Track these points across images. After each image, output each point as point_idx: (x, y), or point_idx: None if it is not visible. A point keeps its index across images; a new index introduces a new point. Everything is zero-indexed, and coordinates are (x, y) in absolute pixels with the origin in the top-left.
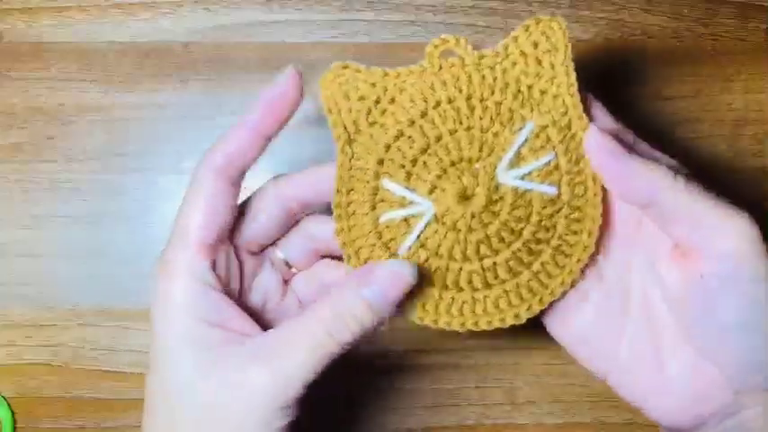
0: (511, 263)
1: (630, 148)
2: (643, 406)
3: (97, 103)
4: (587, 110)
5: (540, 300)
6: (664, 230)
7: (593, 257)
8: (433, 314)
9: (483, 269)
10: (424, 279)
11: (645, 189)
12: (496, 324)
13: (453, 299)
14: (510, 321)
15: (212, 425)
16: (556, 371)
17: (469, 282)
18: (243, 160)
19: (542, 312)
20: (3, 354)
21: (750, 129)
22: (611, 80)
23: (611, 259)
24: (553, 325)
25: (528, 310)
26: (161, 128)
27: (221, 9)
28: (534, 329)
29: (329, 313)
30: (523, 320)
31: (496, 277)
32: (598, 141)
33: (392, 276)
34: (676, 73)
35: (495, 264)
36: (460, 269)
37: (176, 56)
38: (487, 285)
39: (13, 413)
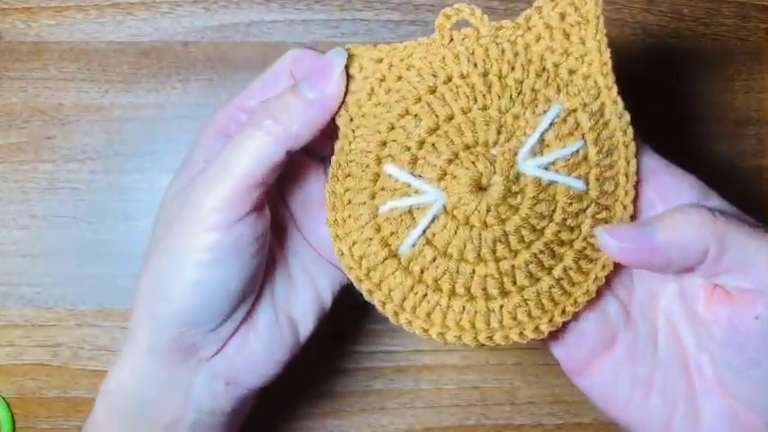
0: (531, 267)
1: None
2: None
3: (97, 102)
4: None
5: (564, 311)
6: (709, 279)
7: (622, 276)
8: (440, 326)
9: (499, 273)
10: (429, 284)
11: (693, 253)
12: (514, 338)
13: (464, 308)
14: (530, 335)
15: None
16: (556, 371)
17: (483, 288)
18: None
19: (562, 355)
20: (2, 354)
21: (750, 129)
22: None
23: (635, 298)
24: (575, 370)
25: (550, 322)
26: (161, 128)
27: (221, 9)
28: None
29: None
30: (545, 334)
31: (515, 283)
32: (617, 246)
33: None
34: (676, 73)
35: (513, 267)
36: (473, 272)
37: (176, 55)
38: (504, 293)
39: (12, 413)
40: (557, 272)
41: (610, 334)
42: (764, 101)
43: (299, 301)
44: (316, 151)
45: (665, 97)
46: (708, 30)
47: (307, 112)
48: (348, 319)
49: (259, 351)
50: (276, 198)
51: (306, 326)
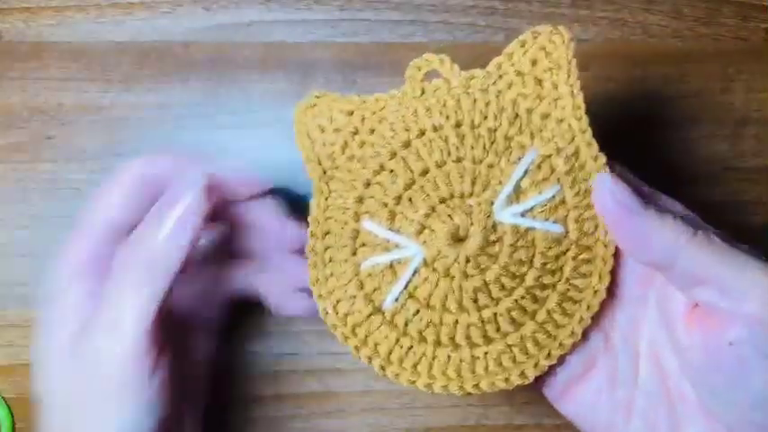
0: (513, 313)
1: (647, 200)
2: None
3: (97, 102)
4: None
5: (549, 354)
6: (684, 293)
7: (604, 305)
8: (426, 377)
9: (482, 321)
10: (414, 335)
11: (663, 250)
12: (500, 385)
13: (449, 357)
14: (515, 381)
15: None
16: None
17: (467, 337)
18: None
19: (542, 381)
20: (1, 354)
21: (750, 129)
22: (611, 80)
23: (615, 320)
24: (555, 396)
25: (535, 366)
26: (161, 128)
27: (221, 9)
28: None
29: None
30: (531, 379)
31: (498, 330)
32: (612, 192)
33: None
34: (676, 73)
35: (495, 315)
36: (456, 322)
37: (176, 55)
38: (488, 340)
39: (11, 414)
40: (540, 316)
41: (590, 360)
42: (764, 101)
43: None
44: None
45: (664, 97)
46: (708, 30)
47: (171, 247)
48: None
49: None
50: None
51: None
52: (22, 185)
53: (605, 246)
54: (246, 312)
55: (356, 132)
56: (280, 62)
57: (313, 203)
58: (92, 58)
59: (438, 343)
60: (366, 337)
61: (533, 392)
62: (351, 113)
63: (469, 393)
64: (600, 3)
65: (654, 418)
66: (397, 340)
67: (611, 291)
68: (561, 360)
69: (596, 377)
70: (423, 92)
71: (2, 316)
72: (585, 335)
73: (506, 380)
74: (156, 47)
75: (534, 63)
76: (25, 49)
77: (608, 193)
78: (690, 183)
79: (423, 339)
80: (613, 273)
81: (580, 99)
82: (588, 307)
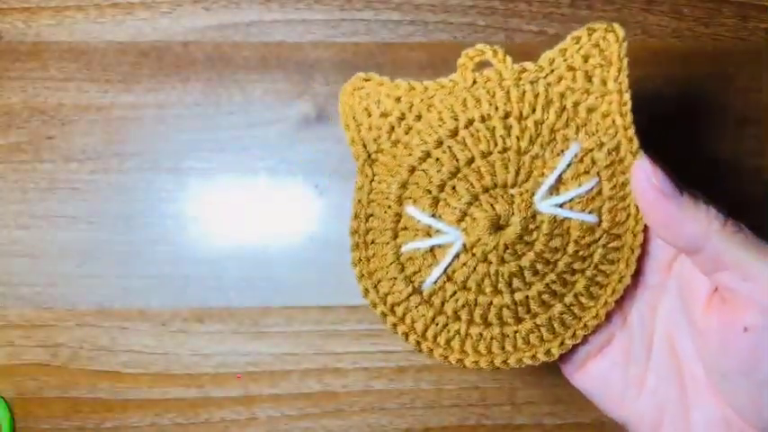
0: (544, 296)
1: (680, 189)
2: None
3: (96, 102)
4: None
5: (574, 334)
6: (708, 276)
7: (626, 290)
8: (459, 352)
9: (514, 303)
10: (449, 314)
11: (695, 235)
12: (527, 361)
13: (481, 335)
14: (541, 358)
15: None
16: (556, 371)
17: (499, 317)
18: None
19: (563, 358)
20: (2, 354)
21: (750, 129)
22: None
23: (635, 304)
24: (571, 370)
25: (561, 345)
26: (160, 128)
27: (221, 9)
28: None
29: None
30: (556, 357)
31: (528, 311)
32: (650, 178)
33: None
34: (676, 73)
35: (527, 297)
36: (490, 303)
37: (176, 55)
38: (518, 320)
39: (12, 413)
40: (568, 299)
41: (606, 336)
42: (764, 101)
43: None
44: None
45: (664, 97)
46: (708, 30)
47: None
48: (348, 319)
49: None
50: None
51: None
52: (21, 185)
53: (634, 235)
54: (246, 312)
55: (403, 118)
56: (280, 62)
57: (357, 186)
58: (92, 58)
59: (471, 322)
60: (404, 315)
61: (534, 392)
62: (398, 99)
63: (498, 368)
64: (600, 3)
65: (664, 396)
66: (433, 318)
67: (634, 276)
68: (584, 340)
69: (611, 354)
70: (474, 82)
71: (2, 316)
72: (608, 317)
73: (533, 357)
74: (156, 47)
75: (586, 59)
76: (25, 49)
77: (646, 177)
78: (690, 183)
79: (457, 318)
80: (638, 260)
81: (628, 96)
82: (613, 291)
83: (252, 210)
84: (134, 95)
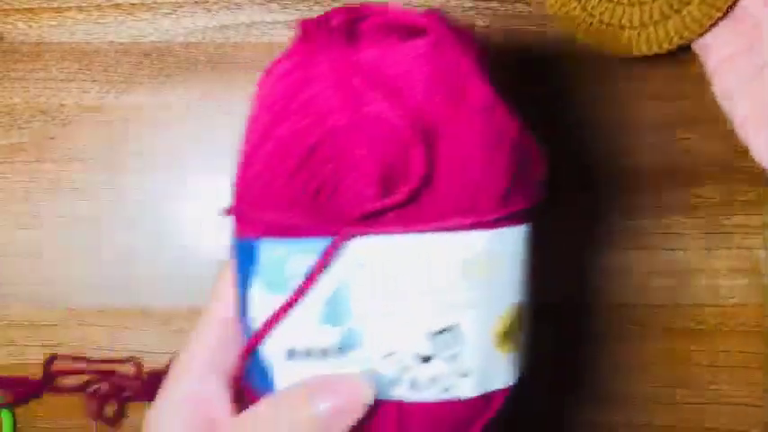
0: None
1: None
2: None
3: (98, 103)
4: None
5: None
6: None
7: None
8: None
9: None
10: None
11: None
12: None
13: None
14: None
15: None
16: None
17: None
18: None
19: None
20: (2, 354)
21: None
22: (612, 78)
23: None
24: (699, 45)
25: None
26: (161, 128)
27: (222, 9)
28: None
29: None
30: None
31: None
32: None
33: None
34: (676, 72)
35: None
36: None
37: (177, 56)
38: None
39: (13, 413)
40: None
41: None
42: None
43: None
44: None
45: (665, 97)
46: None
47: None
48: None
49: None
50: None
51: None
52: (23, 185)
53: None
54: None
55: None
56: None
57: None
58: (93, 59)
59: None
60: None
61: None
62: None
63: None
64: None
65: None
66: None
67: None
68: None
69: (737, 42)
70: None
71: (3, 315)
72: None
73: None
74: (157, 47)
75: None
76: (27, 49)
77: None
78: (690, 183)
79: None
80: None
81: None
82: None
83: None
84: (135, 96)
